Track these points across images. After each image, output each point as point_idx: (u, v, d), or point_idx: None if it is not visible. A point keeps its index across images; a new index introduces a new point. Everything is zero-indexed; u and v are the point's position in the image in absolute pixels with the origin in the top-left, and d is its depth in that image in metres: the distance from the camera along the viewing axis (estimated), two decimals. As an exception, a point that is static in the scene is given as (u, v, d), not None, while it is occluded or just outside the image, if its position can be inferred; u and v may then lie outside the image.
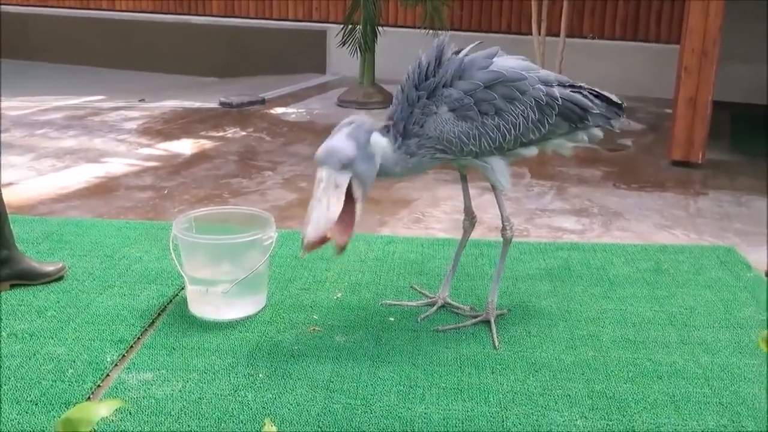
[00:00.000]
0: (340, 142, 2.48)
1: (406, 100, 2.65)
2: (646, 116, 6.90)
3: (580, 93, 2.85)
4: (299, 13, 8.88)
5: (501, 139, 2.69)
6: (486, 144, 2.68)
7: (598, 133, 2.98)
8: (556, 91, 2.77)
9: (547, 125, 2.76)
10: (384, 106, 6.88)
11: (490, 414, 2.40)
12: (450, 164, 2.83)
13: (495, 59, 2.72)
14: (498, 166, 2.77)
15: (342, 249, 2.52)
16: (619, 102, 2.97)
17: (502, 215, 2.90)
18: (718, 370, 2.67)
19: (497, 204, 2.90)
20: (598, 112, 2.87)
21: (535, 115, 2.72)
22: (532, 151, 2.86)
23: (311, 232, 2.43)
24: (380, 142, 2.58)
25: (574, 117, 2.83)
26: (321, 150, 2.48)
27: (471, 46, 2.78)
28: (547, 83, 2.77)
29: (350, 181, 2.49)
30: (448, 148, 2.66)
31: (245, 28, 8.99)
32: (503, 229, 2.91)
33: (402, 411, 2.40)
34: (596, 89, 2.93)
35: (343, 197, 2.47)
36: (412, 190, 4.69)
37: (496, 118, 2.67)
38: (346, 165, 2.46)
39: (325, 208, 2.44)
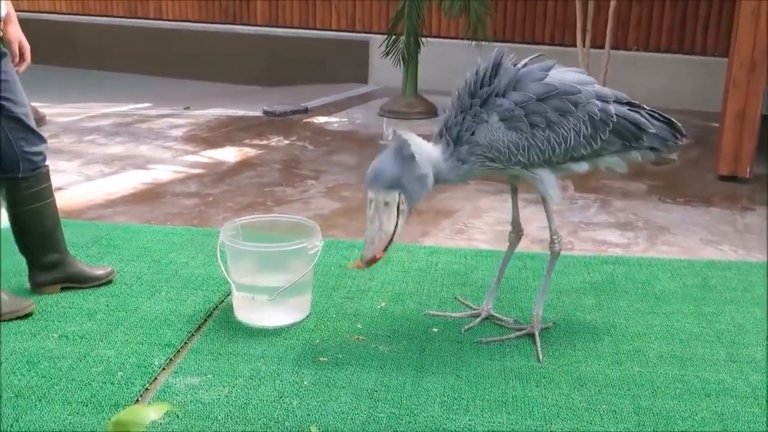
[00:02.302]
0: (385, 163, 2.58)
1: (460, 107, 2.67)
2: (692, 130, 6.81)
3: (638, 112, 2.82)
4: (342, 23, 8.94)
5: (550, 152, 2.68)
6: (535, 155, 2.67)
7: (651, 154, 2.93)
8: (612, 107, 2.74)
9: (599, 141, 2.73)
10: (426, 117, 6.90)
11: (535, 428, 2.38)
12: (500, 174, 2.83)
13: (552, 72, 2.71)
14: (547, 178, 2.75)
15: (370, 262, 2.63)
16: (678, 124, 2.92)
17: (550, 228, 2.89)
18: (768, 389, 2.63)
19: (547, 217, 2.88)
20: (654, 132, 2.82)
21: (587, 130, 2.70)
22: (582, 167, 2.82)
23: (367, 251, 2.60)
24: (431, 155, 2.61)
25: (628, 135, 2.79)
26: (368, 173, 2.59)
27: (530, 57, 2.77)
28: (603, 99, 2.74)
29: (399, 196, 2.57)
30: (497, 157, 2.66)
31: (289, 37, 9.08)
32: (552, 242, 2.89)
33: (446, 422, 2.40)
34: (658, 111, 2.89)
35: (394, 214, 2.57)
36: (454, 201, 4.69)
37: (547, 131, 2.66)
38: (392, 185, 2.55)
39: (377, 228, 2.57)
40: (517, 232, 3.05)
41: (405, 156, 2.55)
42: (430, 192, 2.64)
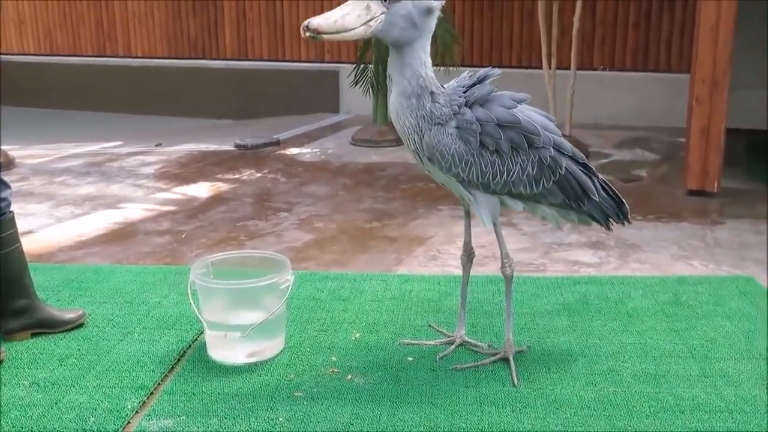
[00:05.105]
0: None
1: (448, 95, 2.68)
2: (660, 146, 6.91)
3: (590, 177, 2.83)
4: (311, 53, 9.00)
5: (490, 177, 2.70)
6: (474, 175, 2.68)
7: (590, 221, 2.95)
8: (564, 161, 2.76)
9: (541, 187, 2.75)
10: (398, 144, 6.93)
11: (512, 453, 2.38)
12: (436, 178, 2.82)
13: (522, 105, 2.74)
14: (481, 199, 2.77)
15: (314, 32, 2.48)
16: (627, 208, 2.95)
17: (501, 252, 2.91)
18: (741, 402, 2.64)
19: (497, 239, 2.90)
20: (597, 201, 2.84)
21: (532, 171, 2.72)
22: (518, 205, 2.83)
23: (318, 20, 2.46)
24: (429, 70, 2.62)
25: (570, 193, 2.80)
26: None
27: (519, 94, 2.76)
28: (559, 149, 2.76)
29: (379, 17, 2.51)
30: (437, 161, 2.67)
31: (258, 70, 9.11)
32: (502, 266, 2.91)
33: (423, 452, 2.39)
34: (611, 186, 2.91)
35: (363, 19, 2.49)
36: (427, 228, 4.71)
37: (494, 156, 2.68)
38: (387, 0, 2.50)
39: (342, 15, 2.48)
40: (468, 254, 3.07)
41: (420, 7, 2.52)
42: (407, 45, 2.57)
